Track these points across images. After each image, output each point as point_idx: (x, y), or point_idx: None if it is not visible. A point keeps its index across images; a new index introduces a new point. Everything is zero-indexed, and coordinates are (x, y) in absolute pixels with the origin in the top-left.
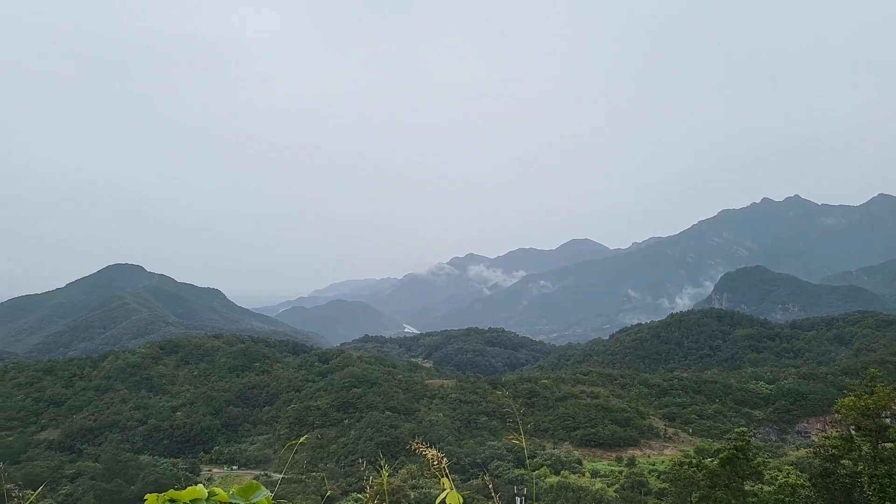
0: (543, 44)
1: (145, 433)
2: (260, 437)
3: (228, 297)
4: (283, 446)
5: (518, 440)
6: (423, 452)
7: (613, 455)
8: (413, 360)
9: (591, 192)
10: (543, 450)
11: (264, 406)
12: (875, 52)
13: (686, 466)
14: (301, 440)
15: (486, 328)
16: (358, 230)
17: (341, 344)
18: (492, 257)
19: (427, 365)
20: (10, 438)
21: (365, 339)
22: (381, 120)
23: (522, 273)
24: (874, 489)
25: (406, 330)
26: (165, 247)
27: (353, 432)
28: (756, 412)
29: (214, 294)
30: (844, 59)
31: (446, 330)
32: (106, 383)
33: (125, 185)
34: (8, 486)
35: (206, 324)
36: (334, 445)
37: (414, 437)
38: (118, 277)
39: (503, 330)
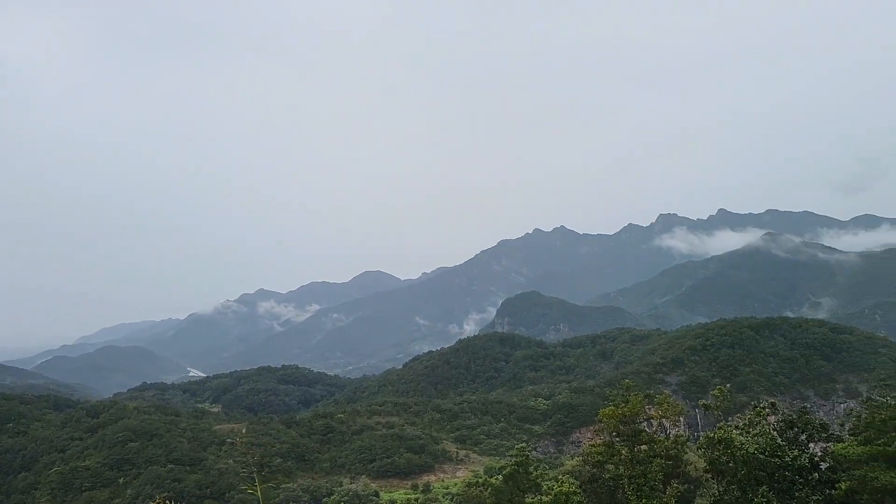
0: (342, 74)
1: None
2: None
3: None
4: None
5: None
6: None
7: (410, 483)
8: (199, 405)
9: (381, 224)
10: (340, 486)
11: (20, 472)
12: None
13: (474, 486)
14: None
15: (279, 366)
16: (131, 268)
17: (115, 394)
18: (283, 293)
19: (215, 410)
20: None
21: (143, 387)
22: (164, 150)
23: (316, 307)
24: (632, 489)
25: (191, 374)
26: None
27: (129, 491)
28: (536, 427)
29: None
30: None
31: (236, 371)
32: None
33: None
34: None
35: None
36: None
37: (201, 489)
38: None
39: (297, 367)
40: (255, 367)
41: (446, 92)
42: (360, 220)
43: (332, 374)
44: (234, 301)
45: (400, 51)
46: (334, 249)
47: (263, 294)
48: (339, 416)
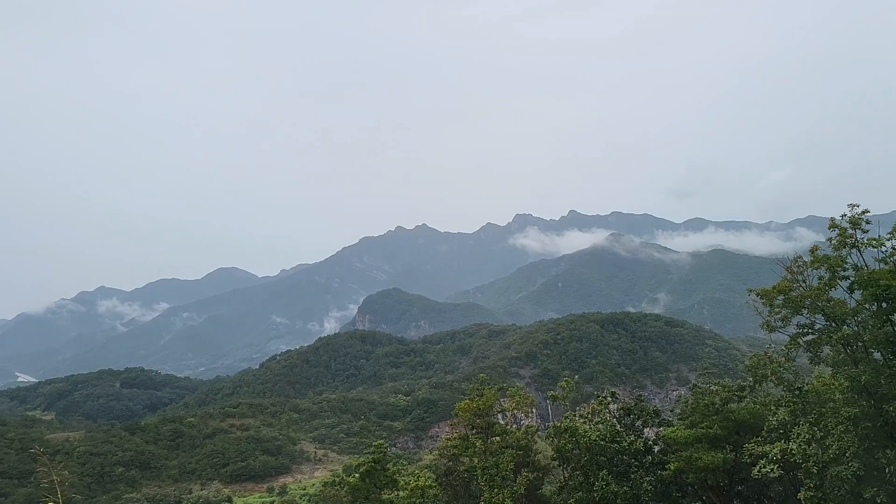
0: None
1: None
2: None
3: None
4: None
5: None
6: None
7: (265, 486)
8: (29, 413)
9: (237, 219)
10: (190, 493)
11: None
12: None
13: (331, 486)
14: None
15: (123, 369)
16: None
17: None
18: (128, 290)
19: (48, 417)
20: None
21: None
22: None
23: (165, 305)
24: (485, 479)
25: (20, 379)
26: None
27: None
28: (396, 423)
29: None
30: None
31: (72, 375)
32: None
33: None
34: None
35: None
36: None
37: (31, 503)
38: None
39: (143, 369)
40: (95, 371)
41: (311, 83)
42: (215, 214)
43: (182, 376)
44: (69, 300)
45: (265, 32)
46: (186, 244)
47: (104, 292)
48: (190, 419)
